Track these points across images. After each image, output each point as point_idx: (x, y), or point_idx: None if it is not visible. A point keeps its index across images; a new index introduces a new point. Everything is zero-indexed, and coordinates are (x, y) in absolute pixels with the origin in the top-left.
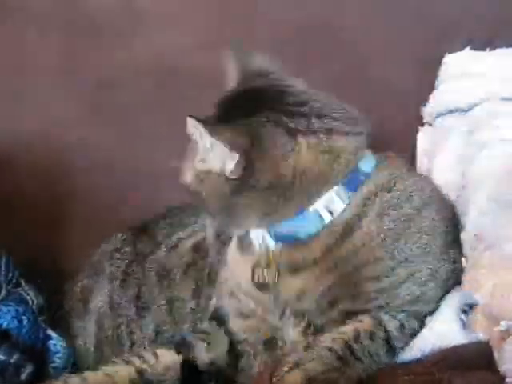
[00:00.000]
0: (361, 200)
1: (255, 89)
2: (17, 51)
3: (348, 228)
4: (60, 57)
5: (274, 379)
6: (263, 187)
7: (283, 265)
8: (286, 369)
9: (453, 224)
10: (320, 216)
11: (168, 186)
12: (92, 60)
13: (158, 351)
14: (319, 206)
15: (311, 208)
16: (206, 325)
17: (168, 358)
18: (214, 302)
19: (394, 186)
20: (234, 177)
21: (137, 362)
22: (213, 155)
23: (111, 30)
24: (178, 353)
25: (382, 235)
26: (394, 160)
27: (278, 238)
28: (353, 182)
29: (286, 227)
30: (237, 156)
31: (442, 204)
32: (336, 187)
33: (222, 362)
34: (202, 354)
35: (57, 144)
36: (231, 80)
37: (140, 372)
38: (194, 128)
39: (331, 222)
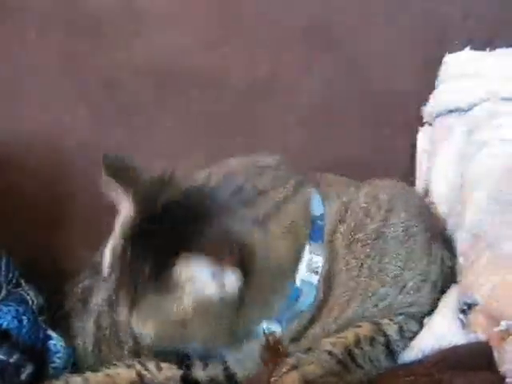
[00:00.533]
0: (328, 244)
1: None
2: (17, 51)
3: (331, 275)
4: (60, 57)
5: (272, 380)
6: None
7: (286, 340)
8: (284, 370)
9: (428, 217)
10: (309, 281)
11: None
12: (92, 60)
13: (162, 364)
14: (303, 273)
15: (297, 280)
16: None
17: (169, 371)
18: None
19: (347, 211)
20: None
21: (138, 367)
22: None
23: (111, 30)
24: (179, 367)
25: (361, 264)
26: (315, 177)
27: (283, 322)
28: (317, 232)
29: (288, 309)
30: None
31: (409, 202)
32: (308, 247)
33: (222, 378)
34: (200, 373)
35: (57, 144)
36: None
37: (141, 376)
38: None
39: (319, 280)
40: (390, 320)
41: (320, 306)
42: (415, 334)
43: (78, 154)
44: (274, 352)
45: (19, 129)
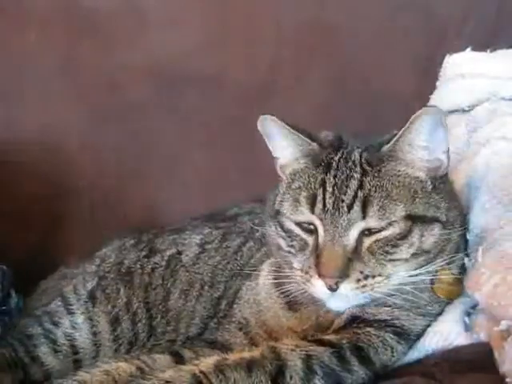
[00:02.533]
0: None
1: None
2: (17, 51)
3: None
4: (60, 57)
5: None
6: None
7: None
8: None
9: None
10: None
11: (168, 186)
12: (92, 60)
13: (155, 356)
14: None
15: None
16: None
17: (165, 362)
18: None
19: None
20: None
21: (136, 360)
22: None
23: (111, 31)
24: (175, 361)
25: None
26: None
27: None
28: None
29: None
30: None
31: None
32: None
33: None
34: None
35: (57, 144)
36: None
37: (140, 369)
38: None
39: None
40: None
41: None
42: None
43: (78, 153)
44: None
45: (19, 129)
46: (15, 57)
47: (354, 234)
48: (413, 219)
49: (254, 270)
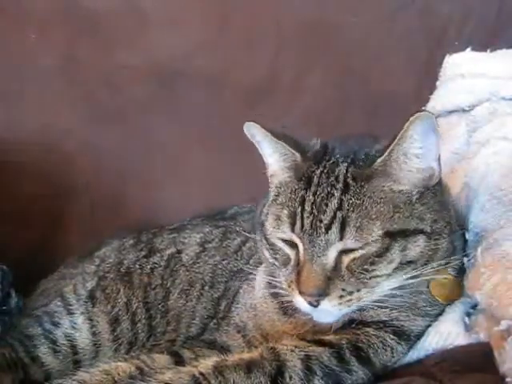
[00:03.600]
0: None
1: None
2: (16, 51)
3: None
4: (60, 57)
5: None
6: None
7: None
8: None
9: None
10: None
11: (168, 186)
12: (92, 60)
13: (155, 356)
14: None
15: None
16: (197, 342)
17: (164, 362)
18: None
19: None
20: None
21: (135, 360)
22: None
23: (111, 31)
24: (174, 361)
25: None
26: None
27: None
28: None
29: None
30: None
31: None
32: None
33: None
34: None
35: (57, 144)
36: None
37: (140, 369)
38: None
39: None
40: None
41: None
42: None
43: (78, 153)
44: None
45: (19, 129)
46: (15, 57)
47: (332, 253)
48: (392, 235)
49: (254, 270)
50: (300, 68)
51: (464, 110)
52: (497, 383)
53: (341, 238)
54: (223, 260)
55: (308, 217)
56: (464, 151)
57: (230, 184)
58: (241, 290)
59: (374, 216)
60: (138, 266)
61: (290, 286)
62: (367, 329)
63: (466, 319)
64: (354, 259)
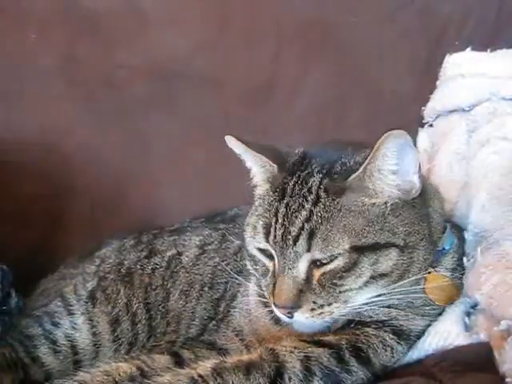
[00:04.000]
0: None
1: None
2: (16, 51)
3: None
4: (59, 57)
5: None
6: None
7: None
8: None
9: None
10: None
11: (168, 186)
12: (92, 60)
13: (155, 356)
14: None
15: None
16: (196, 343)
17: (164, 362)
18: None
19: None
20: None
21: (136, 360)
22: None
23: (111, 31)
24: (174, 362)
25: None
26: None
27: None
28: None
29: None
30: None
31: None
32: None
33: None
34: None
35: (56, 144)
36: None
37: (140, 369)
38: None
39: None
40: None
41: None
42: None
43: (77, 153)
44: None
45: (19, 129)
46: (15, 57)
47: (302, 265)
48: (360, 250)
49: (249, 276)
50: (300, 68)
51: (464, 110)
52: (497, 383)
53: (308, 249)
54: (223, 261)
55: (280, 228)
56: (464, 151)
57: (230, 184)
58: (238, 294)
59: (341, 230)
60: (138, 267)
61: (269, 297)
62: (366, 329)
63: (466, 319)
64: (324, 273)
